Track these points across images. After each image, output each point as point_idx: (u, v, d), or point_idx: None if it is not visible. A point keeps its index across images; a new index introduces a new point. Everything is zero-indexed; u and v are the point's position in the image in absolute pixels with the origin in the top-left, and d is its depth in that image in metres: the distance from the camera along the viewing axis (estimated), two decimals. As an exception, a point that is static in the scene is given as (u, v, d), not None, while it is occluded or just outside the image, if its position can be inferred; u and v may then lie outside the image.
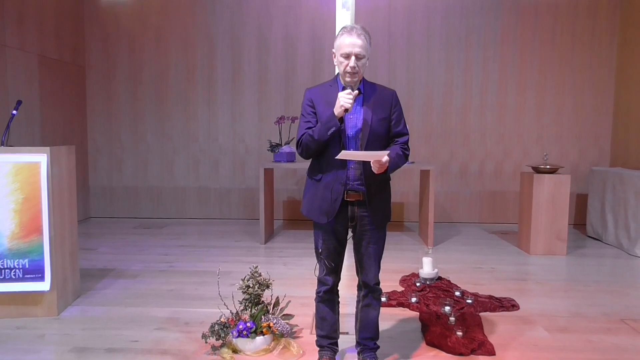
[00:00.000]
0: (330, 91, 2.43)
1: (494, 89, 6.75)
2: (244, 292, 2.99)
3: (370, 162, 2.34)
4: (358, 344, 2.69)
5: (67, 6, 6.43)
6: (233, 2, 6.78)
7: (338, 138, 2.38)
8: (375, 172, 2.35)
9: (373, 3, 6.65)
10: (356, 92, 2.35)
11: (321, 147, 2.39)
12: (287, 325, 3.00)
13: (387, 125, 2.46)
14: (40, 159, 3.25)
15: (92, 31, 6.86)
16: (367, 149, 2.38)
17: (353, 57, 2.33)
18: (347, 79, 2.37)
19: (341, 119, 2.34)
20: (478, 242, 5.77)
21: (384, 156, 2.29)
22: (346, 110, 2.29)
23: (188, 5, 6.81)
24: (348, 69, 2.34)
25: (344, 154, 2.28)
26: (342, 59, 2.36)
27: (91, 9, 6.83)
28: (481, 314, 3.47)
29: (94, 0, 6.82)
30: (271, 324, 2.89)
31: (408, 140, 2.53)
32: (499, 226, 6.71)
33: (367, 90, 2.46)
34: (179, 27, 6.83)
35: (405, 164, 2.55)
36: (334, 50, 2.42)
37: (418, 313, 3.45)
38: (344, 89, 2.35)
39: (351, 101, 2.29)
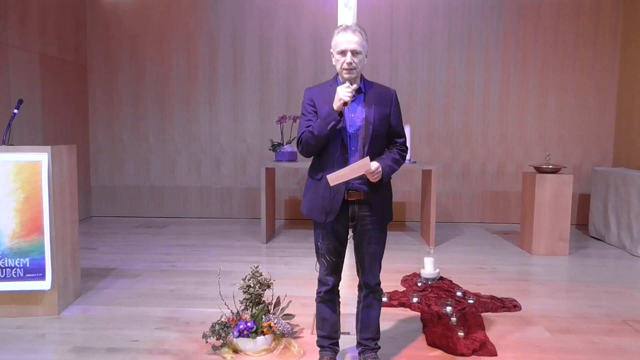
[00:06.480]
0: (330, 91, 2.41)
1: (496, 89, 6.73)
2: (244, 292, 2.99)
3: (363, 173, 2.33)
4: (359, 344, 2.68)
5: (69, 6, 6.44)
6: (235, 2, 6.77)
7: (339, 137, 2.37)
8: (373, 181, 2.36)
9: (375, 2, 6.64)
10: (355, 86, 2.35)
11: (321, 144, 2.38)
12: (287, 325, 2.99)
13: (387, 124, 2.46)
14: (41, 158, 3.25)
15: (94, 31, 6.87)
16: (369, 147, 2.38)
17: (349, 53, 2.32)
18: (345, 76, 2.35)
19: (340, 113, 2.32)
20: (480, 242, 5.76)
21: (368, 165, 2.28)
22: (345, 103, 2.28)
23: (190, 5, 6.81)
24: (345, 65, 2.33)
25: (331, 179, 2.28)
26: (338, 57, 2.36)
27: (93, 8, 6.84)
28: (483, 314, 3.46)
29: (96, 0, 6.83)
30: (272, 324, 2.88)
31: (405, 141, 2.54)
32: (501, 226, 6.69)
33: (367, 89, 2.45)
34: (181, 27, 6.84)
35: (406, 164, 2.55)
36: (331, 50, 2.42)
37: (419, 313, 3.45)
38: None
39: (350, 94, 2.28)
